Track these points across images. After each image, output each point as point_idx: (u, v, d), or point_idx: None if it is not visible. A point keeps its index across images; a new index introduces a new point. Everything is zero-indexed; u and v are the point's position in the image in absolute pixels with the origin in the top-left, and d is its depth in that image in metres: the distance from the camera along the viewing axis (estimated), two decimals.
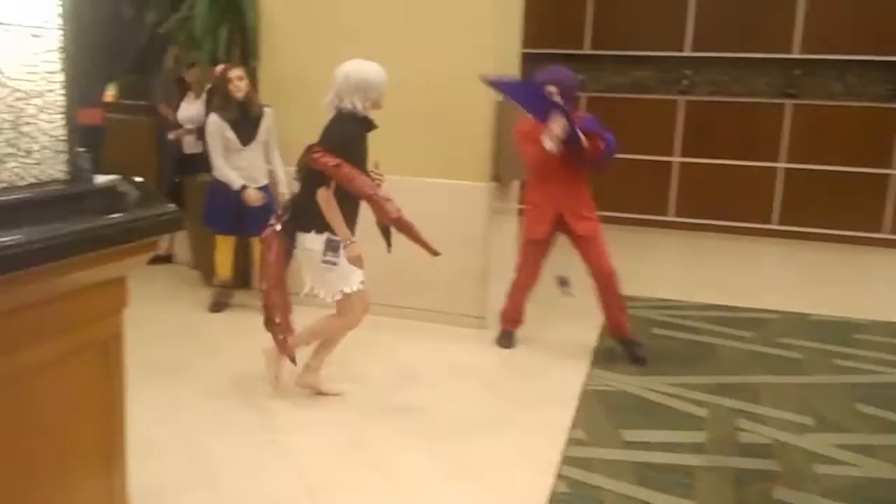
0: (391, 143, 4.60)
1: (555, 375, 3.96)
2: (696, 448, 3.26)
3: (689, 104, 7.59)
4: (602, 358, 4.20)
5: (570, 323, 4.66)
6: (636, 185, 7.66)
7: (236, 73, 4.47)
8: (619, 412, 3.56)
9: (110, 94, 5.54)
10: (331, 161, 3.17)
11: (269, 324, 3.44)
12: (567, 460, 3.08)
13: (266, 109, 4.59)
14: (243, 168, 4.56)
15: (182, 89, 5.51)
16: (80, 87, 1.66)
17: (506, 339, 4.34)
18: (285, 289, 3.44)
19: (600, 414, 3.54)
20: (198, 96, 5.33)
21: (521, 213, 4.23)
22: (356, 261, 3.27)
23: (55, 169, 1.61)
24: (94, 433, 1.76)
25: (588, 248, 4.09)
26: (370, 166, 3.36)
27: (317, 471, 2.94)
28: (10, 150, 1.52)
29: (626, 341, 4.21)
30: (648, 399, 3.73)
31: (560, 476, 2.96)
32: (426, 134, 4.47)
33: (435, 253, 3.28)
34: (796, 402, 3.76)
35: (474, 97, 4.38)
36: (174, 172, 5.57)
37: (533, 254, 4.20)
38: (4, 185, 1.52)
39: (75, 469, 1.73)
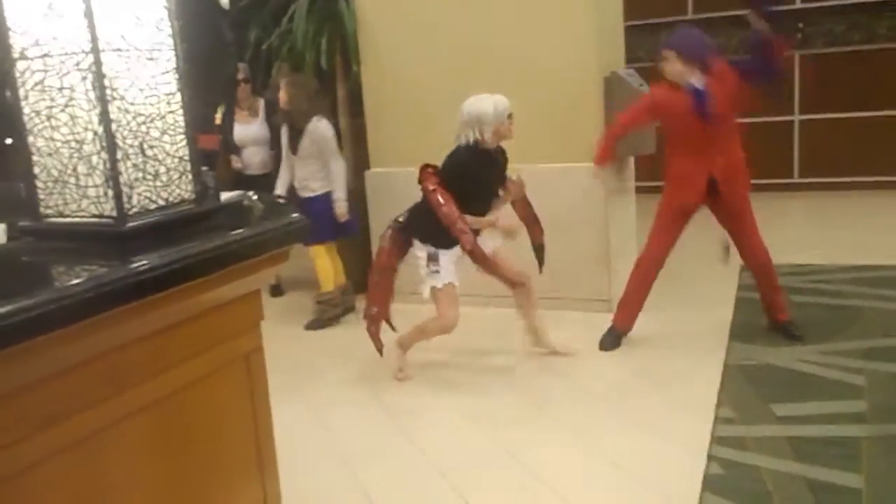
0: None
1: (693, 353, 3.80)
2: (857, 418, 3.05)
3: (805, 58, 7.14)
4: (741, 331, 4.00)
5: (702, 296, 4.47)
6: (756, 149, 7.26)
7: (282, 83, 4.58)
8: (767, 386, 3.37)
9: (217, 117, 5.70)
10: (430, 185, 3.47)
11: (367, 313, 3.70)
12: (718, 440, 2.93)
13: (314, 124, 4.53)
14: (300, 177, 4.66)
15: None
16: (196, 109, 1.69)
17: (612, 340, 3.98)
18: (391, 285, 3.70)
19: (747, 390, 3.36)
20: (252, 114, 5.39)
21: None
22: (509, 232, 3.61)
23: (182, 189, 1.64)
24: (245, 442, 1.79)
25: (738, 221, 3.83)
26: (513, 177, 3.67)
27: (460, 469, 2.92)
28: (138, 174, 1.55)
29: (780, 323, 3.93)
30: (797, 370, 3.52)
31: (712, 457, 2.82)
32: (537, 120, 4.39)
33: (520, 284, 3.74)
34: None
35: (580, 77, 4.28)
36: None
37: (677, 225, 3.84)
38: (136, 209, 1.55)
39: (232, 477, 1.76)
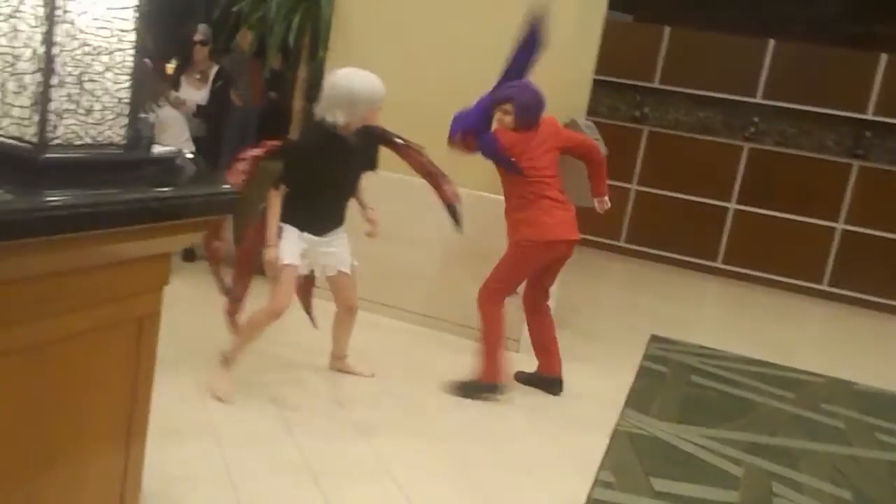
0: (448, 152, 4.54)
1: (588, 411, 3.82)
2: None
3: (754, 151, 7.39)
4: (638, 399, 4.05)
5: (610, 356, 4.53)
6: (688, 226, 7.49)
7: None
8: (651, 458, 3.41)
9: (169, 67, 5.50)
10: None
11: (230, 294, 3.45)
12: (593, 502, 2.94)
13: None
14: None
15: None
16: (149, 53, 1.60)
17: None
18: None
19: (631, 458, 3.39)
20: (203, 80, 5.27)
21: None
22: (269, 267, 3.24)
23: (114, 132, 1.55)
24: (116, 410, 1.69)
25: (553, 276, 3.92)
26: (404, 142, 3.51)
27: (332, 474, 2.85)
28: (70, 105, 1.45)
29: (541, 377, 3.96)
30: (681, 449, 3.57)
31: None
32: None
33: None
34: (835, 473, 3.58)
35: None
36: None
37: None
38: (59, 141, 1.46)
39: (92, 444, 1.66)
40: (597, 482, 3.11)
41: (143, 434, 1.78)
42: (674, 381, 4.42)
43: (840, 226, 7.21)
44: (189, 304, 4.02)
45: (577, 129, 4.17)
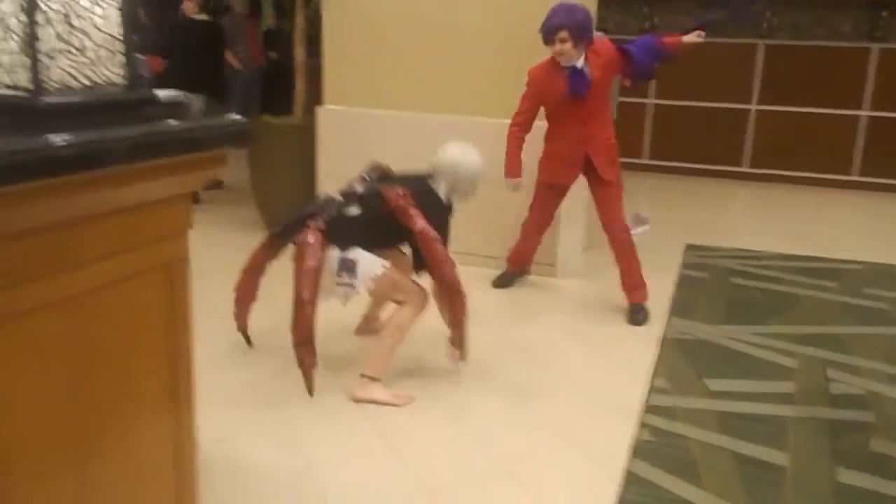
0: (452, 79, 4.46)
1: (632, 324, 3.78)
2: (786, 398, 3.06)
3: (769, 48, 7.16)
4: (681, 306, 3.99)
5: (648, 268, 4.44)
6: (711, 134, 7.32)
7: None
8: (702, 361, 3.36)
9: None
10: (419, 219, 2.85)
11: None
12: (650, 409, 2.91)
13: None
14: None
15: None
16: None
17: (505, 278, 4.22)
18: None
19: (682, 363, 3.35)
20: None
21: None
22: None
23: (111, 71, 1.48)
24: (158, 366, 1.62)
25: (603, 204, 3.80)
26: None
27: (386, 417, 2.84)
28: (61, 44, 1.39)
29: (633, 306, 3.84)
30: (732, 349, 3.52)
31: (643, 424, 2.79)
32: (489, 73, 4.29)
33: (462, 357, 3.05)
34: (887, 353, 3.52)
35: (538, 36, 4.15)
36: None
37: (551, 198, 3.98)
38: (56, 85, 1.39)
39: (138, 406, 1.59)
40: (652, 388, 3.07)
41: (190, 394, 1.70)
42: (715, 286, 4.34)
43: (865, 113, 7.01)
44: (201, 248, 3.96)
45: None
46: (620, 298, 3.91)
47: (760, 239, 5.31)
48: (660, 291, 4.13)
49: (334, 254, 2.86)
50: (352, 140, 4.57)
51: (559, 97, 3.66)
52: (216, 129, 1.58)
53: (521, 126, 3.81)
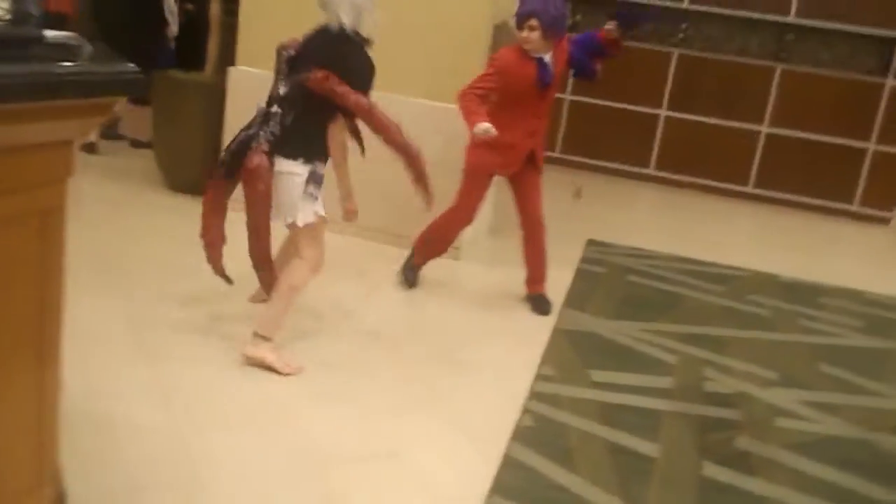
0: (377, 52, 4.41)
1: (525, 309, 3.89)
2: (663, 393, 3.22)
3: (682, 58, 7.42)
4: (575, 299, 4.12)
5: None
6: (622, 135, 7.53)
7: None
8: (589, 353, 3.49)
9: None
10: (352, 94, 2.81)
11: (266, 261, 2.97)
12: (534, 395, 3.01)
13: None
14: None
15: None
16: None
17: (413, 274, 3.99)
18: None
19: (570, 353, 3.47)
20: None
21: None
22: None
23: None
24: (24, 316, 1.55)
25: (529, 192, 3.85)
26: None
27: (273, 386, 2.83)
28: None
29: (537, 296, 3.94)
30: (618, 342, 3.67)
31: (526, 410, 2.89)
32: (420, 53, 4.28)
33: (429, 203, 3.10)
34: (762, 357, 3.74)
35: (471, 21, 4.18)
36: None
37: (484, 189, 3.88)
38: None
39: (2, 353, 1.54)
40: (538, 376, 3.17)
41: (56, 349, 1.64)
42: (610, 281, 4.50)
43: (764, 129, 7.36)
44: (93, 202, 3.84)
45: (511, 32, 4.09)
46: (519, 286, 4.00)
47: (659, 240, 5.52)
48: (557, 283, 4.24)
49: (296, 168, 2.84)
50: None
51: (524, 86, 3.62)
52: (106, 75, 1.52)
53: (479, 96, 3.65)
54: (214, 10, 4.93)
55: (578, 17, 7.78)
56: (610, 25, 3.69)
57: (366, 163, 3.07)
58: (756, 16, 7.29)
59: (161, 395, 2.65)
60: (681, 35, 7.58)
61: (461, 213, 3.88)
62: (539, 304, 3.90)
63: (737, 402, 3.24)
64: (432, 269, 4.12)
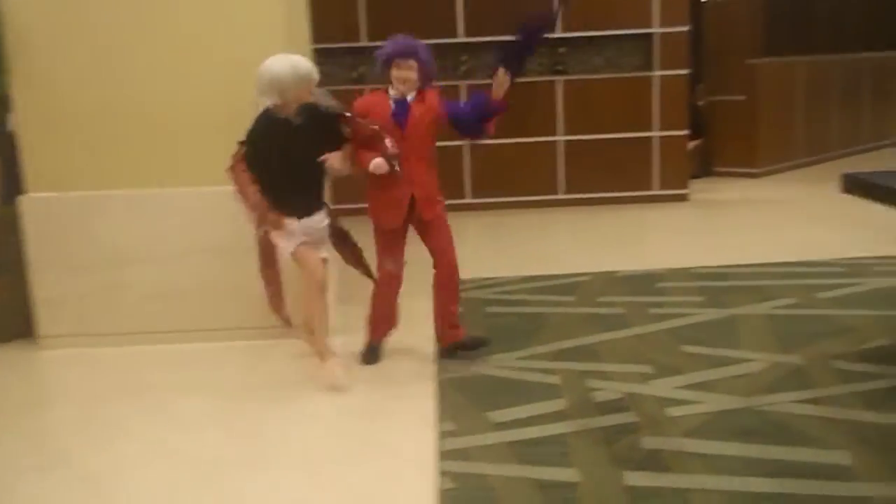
0: (171, 150, 4.23)
1: (405, 372, 3.83)
2: (560, 416, 3.26)
3: (471, 87, 7.70)
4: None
5: (404, 312, 4.52)
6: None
7: None
8: (479, 395, 3.48)
9: None
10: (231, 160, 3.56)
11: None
12: (445, 454, 2.94)
13: None
14: None
15: None
16: None
17: (373, 354, 3.94)
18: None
19: (463, 400, 3.44)
20: None
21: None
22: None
23: None
24: None
25: (432, 238, 3.85)
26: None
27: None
28: None
29: (466, 340, 3.94)
30: (502, 377, 3.69)
31: (443, 472, 2.81)
32: (205, 136, 4.11)
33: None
34: (632, 354, 3.91)
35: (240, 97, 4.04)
36: None
37: (396, 242, 3.84)
38: None
39: None
40: (442, 433, 3.11)
41: None
42: (472, 318, 4.52)
43: (560, 138, 7.82)
44: None
45: (323, 99, 4.03)
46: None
47: (499, 265, 5.66)
48: (423, 333, 4.18)
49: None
50: (72, 230, 4.18)
51: (381, 125, 3.59)
52: None
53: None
54: None
55: (362, 70, 7.89)
56: (500, 75, 3.67)
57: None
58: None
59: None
60: (463, 67, 7.89)
61: (386, 276, 3.85)
62: (473, 342, 3.91)
63: (628, 405, 3.34)
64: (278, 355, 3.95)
